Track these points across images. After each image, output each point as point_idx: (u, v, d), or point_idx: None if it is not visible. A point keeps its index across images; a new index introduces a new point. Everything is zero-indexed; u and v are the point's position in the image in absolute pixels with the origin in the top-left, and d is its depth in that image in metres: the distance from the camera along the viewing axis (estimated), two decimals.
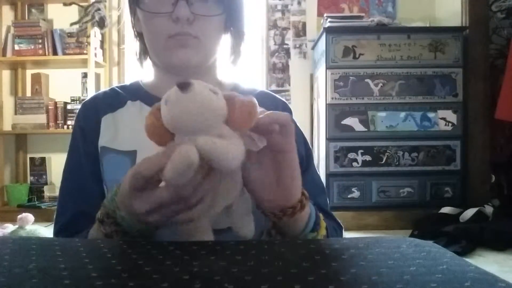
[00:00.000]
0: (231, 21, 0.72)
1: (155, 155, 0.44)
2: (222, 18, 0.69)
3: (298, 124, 0.79)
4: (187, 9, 0.63)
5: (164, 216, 0.46)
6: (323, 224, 0.58)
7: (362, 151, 2.84)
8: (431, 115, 2.86)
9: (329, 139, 2.85)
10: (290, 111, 0.77)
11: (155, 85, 0.76)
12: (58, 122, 3.29)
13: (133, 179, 0.45)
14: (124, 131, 0.70)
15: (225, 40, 0.74)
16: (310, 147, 0.81)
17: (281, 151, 0.50)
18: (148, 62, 0.77)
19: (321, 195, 0.75)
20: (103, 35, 3.36)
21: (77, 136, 0.72)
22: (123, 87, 0.78)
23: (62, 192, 0.72)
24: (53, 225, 0.72)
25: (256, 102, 0.45)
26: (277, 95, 0.82)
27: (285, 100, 0.82)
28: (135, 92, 0.75)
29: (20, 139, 3.48)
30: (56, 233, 0.70)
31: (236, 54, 0.76)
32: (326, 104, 2.86)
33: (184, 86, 0.42)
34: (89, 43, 3.15)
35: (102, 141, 0.70)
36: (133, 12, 0.73)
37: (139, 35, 0.75)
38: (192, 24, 0.65)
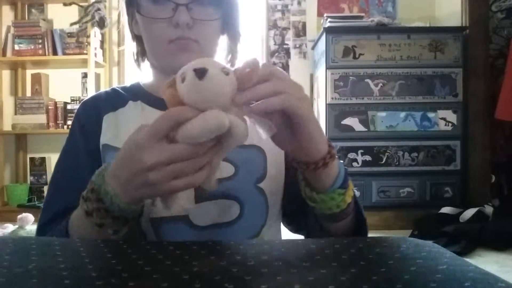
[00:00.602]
0: (228, 23, 0.73)
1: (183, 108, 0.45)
2: (220, 21, 0.70)
3: None
4: (187, 15, 0.64)
5: (166, 174, 0.46)
6: (351, 186, 0.60)
7: (362, 151, 2.84)
8: (431, 115, 2.86)
9: (329, 139, 2.85)
10: None
11: (155, 86, 0.76)
12: (58, 122, 3.29)
13: (160, 122, 0.45)
14: (126, 130, 0.70)
15: (222, 41, 0.75)
16: None
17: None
18: (146, 64, 0.78)
19: None
20: (103, 35, 3.36)
21: (77, 133, 0.72)
22: (123, 88, 0.78)
23: (53, 187, 0.71)
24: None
25: (257, 61, 0.48)
26: None
27: None
28: (136, 93, 0.76)
29: (20, 139, 3.48)
30: (39, 227, 0.68)
31: (233, 54, 0.77)
32: (326, 104, 2.86)
33: (200, 74, 0.44)
34: (89, 43, 3.15)
35: (104, 139, 0.70)
36: (130, 15, 0.74)
37: (137, 37, 0.75)
38: (192, 28, 0.65)
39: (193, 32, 0.66)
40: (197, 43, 0.67)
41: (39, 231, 0.68)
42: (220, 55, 0.76)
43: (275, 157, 0.71)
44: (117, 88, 0.78)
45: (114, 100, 0.74)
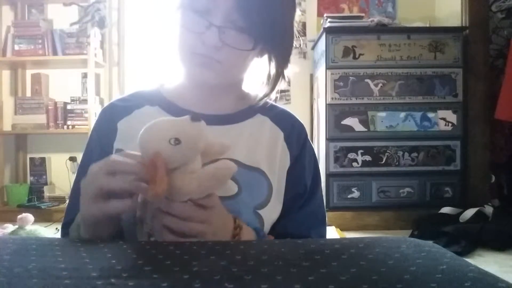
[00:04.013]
0: (275, 55, 0.72)
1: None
2: (254, 52, 0.68)
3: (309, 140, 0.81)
4: (217, 37, 0.63)
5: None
6: None
7: (362, 151, 2.84)
8: (431, 115, 2.86)
9: (329, 139, 2.85)
10: (305, 133, 0.79)
11: (178, 91, 0.76)
12: (58, 122, 3.28)
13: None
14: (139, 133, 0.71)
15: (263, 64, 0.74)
16: (319, 171, 0.81)
17: None
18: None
19: (318, 227, 0.77)
20: (103, 35, 3.35)
21: (92, 144, 0.75)
22: (141, 92, 0.78)
23: (73, 193, 0.74)
24: (55, 224, 0.75)
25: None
26: (296, 116, 0.82)
27: (302, 122, 0.81)
28: (154, 98, 0.75)
29: (20, 139, 3.47)
30: (62, 226, 0.75)
31: (271, 86, 0.75)
32: (326, 104, 2.86)
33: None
34: (89, 43, 3.15)
35: (118, 144, 0.71)
36: (170, 15, 0.73)
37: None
38: (219, 50, 0.65)
39: (218, 53, 0.65)
40: (219, 64, 0.66)
41: (62, 230, 0.76)
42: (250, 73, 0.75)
43: (279, 184, 0.72)
44: (134, 93, 0.78)
45: (129, 104, 0.75)
